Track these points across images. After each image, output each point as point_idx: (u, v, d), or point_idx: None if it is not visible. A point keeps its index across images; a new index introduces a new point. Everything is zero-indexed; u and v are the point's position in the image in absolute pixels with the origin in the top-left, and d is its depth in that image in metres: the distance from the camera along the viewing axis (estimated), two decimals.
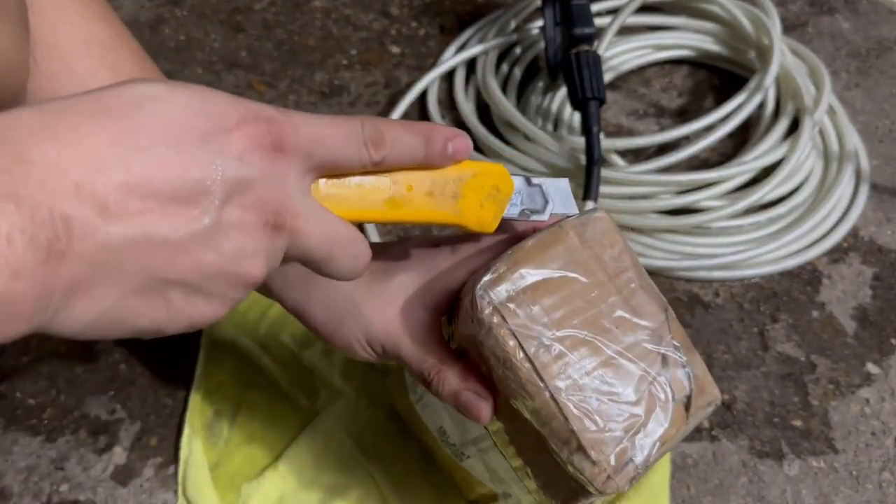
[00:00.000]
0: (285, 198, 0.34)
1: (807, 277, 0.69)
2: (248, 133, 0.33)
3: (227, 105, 0.33)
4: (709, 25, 0.83)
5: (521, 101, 0.81)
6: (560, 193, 0.45)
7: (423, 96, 0.82)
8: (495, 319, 0.40)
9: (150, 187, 0.30)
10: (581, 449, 0.40)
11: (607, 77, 0.81)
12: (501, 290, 0.41)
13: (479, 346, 0.41)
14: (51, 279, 0.29)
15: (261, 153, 0.33)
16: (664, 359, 0.43)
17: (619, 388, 0.41)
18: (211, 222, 0.32)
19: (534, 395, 0.40)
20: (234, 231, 0.33)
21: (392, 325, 0.45)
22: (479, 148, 0.77)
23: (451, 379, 0.43)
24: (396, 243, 0.48)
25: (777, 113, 0.77)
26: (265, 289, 0.48)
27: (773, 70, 0.74)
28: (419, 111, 0.81)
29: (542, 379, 0.40)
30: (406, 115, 0.80)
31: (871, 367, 0.64)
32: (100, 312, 0.31)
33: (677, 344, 0.43)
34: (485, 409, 0.43)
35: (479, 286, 0.41)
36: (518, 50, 0.85)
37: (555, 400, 0.40)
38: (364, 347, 0.46)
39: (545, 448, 0.41)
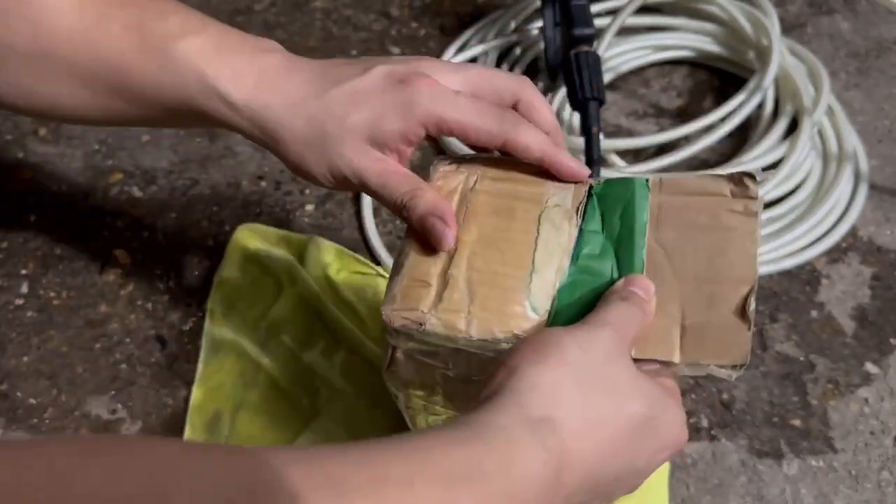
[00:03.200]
0: None
1: (806, 277, 0.69)
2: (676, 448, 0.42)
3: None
4: (708, 26, 0.83)
5: None
6: None
7: None
8: None
9: (599, 494, 0.39)
10: None
11: (607, 77, 0.81)
12: None
13: None
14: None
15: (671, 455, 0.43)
16: None
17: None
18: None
19: None
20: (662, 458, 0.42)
21: (354, 162, 0.47)
22: (478, 148, 0.77)
23: (422, 203, 0.45)
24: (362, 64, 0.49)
25: (776, 113, 0.77)
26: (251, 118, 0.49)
27: (773, 70, 0.75)
28: None
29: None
30: None
31: (871, 367, 0.64)
32: None
33: None
34: (448, 235, 0.44)
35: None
36: (518, 50, 0.85)
37: None
38: (325, 176, 0.49)
39: None
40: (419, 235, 0.45)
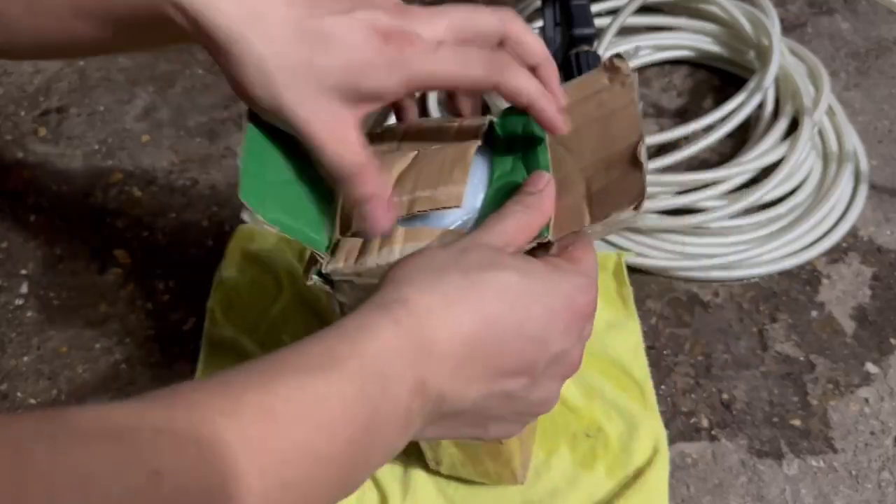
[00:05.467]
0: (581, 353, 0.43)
1: (806, 277, 0.69)
2: (576, 313, 0.41)
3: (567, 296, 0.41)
4: (708, 26, 0.83)
5: None
6: None
7: (423, 97, 0.82)
8: None
9: (501, 368, 0.39)
10: None
11: None
12: None
13: None
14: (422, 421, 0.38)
15: (578, 325, 0.41)
16: None
17: None
18: (534, 382, 0.40)
19: None
20: (547, 385, 0.41)
21: (303, 107, 0.43)
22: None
23: (363, 187, 0.44)
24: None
25: (776, 113, 0.77)
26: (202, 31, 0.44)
27: (773, 70, 0.75)
28: (419, 112, 0.81)
29: None
30: None
31: (871, 367, 0.64)
32: (438, 435, 0.42)
33: None
34: (384, 221, 0.45)
35: None
36: None
37: None
38: (265, 105, 0.44)
39: None
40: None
